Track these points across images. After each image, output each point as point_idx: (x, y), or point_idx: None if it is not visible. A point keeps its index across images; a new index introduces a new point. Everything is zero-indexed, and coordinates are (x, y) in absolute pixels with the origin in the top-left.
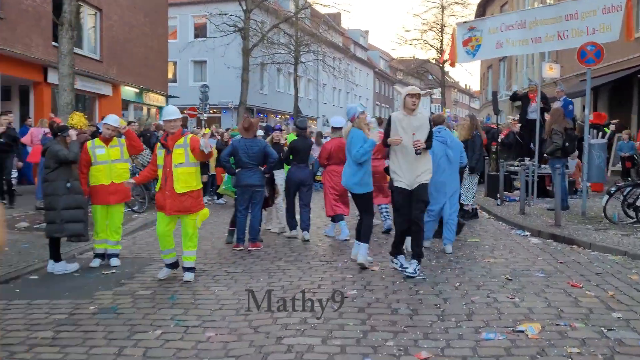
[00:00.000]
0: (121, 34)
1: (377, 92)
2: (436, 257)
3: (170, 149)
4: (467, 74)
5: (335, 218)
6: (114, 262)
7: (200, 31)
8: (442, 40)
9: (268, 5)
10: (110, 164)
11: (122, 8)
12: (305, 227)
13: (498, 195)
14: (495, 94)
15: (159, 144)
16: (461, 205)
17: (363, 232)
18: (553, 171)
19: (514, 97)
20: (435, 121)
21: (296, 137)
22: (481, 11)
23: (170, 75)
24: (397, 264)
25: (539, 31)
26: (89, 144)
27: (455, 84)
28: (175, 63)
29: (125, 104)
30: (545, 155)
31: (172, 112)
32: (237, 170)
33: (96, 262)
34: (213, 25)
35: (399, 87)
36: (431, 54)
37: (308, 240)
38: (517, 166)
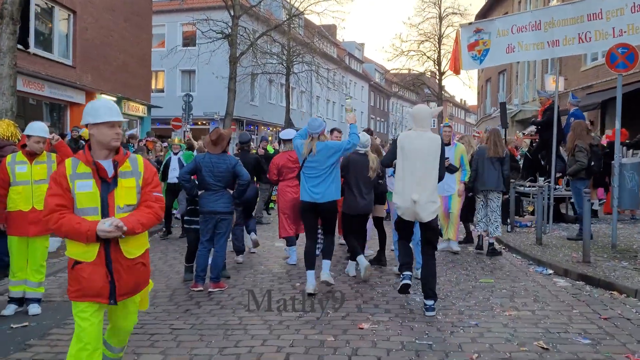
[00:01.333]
0: (97, 37)
1: (372, 105)
2: (443, 307)
3: (109, 180)
4: (464, 87)
5: (289, 241)
6: (34, 309)
7: (189, 40)
8: (439, 52)
9: (258, 13)
10: (32, 185)
11: (99, 10)
12: (241, 249)
13: (508, 221)
14: (504, 105)
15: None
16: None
17: (327, 249)
18: (576, 194)
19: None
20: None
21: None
22: None
23: (158, 85)
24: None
25: (557, 33)
26: (8, 158)
27: (451, 98)
28: (162, 72)
29: None
30: (566, 175)
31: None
32: (200, 193)
33: (10, 309)
34: (201, 32)
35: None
36: (428, 66)
37: (254, 251)
38: (529, 187)
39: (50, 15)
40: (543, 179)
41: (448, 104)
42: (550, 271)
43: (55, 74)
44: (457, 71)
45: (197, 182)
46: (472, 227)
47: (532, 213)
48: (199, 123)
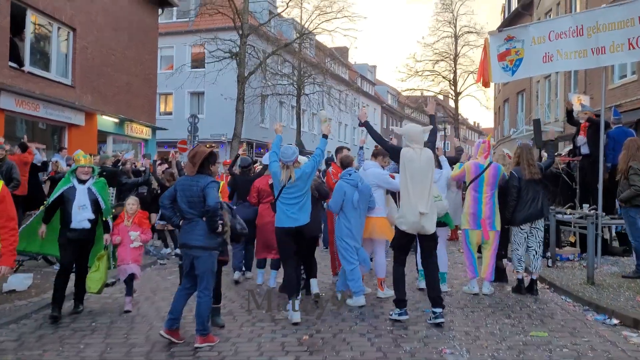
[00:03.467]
0: (98, 57)
1: (385, 127)
2: None
3: None
4: (479, 108)
5: (260, 263)
6: None
7: (198, 62)
8: (455, 72)
9: (268, 33)
10: None
11: (101, 28)
12: (238, 266)
13: (548, 254)
14: (538, 122)
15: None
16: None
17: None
18: (630, 224)
19: (569, 114)
20: (342, 162)
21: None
22: None
23: (167, 108)
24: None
25: (602, 39)
26: None
27: (464, 120)
28: (171, 95)
29: (103, 136)
30: (618, 201)
31: None
32: (181, 223)
33: None
34: (208, 52)
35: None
36: (443, 86)
37: (237, 282)
38: (571, 214)
39: (48, 32)
40: (588, 206)
41: (462, 127)
42: (615, 321)
43: (53, 94)
44: (486, 84)
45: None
46: (505, 263)
47: (573, 244)
48: (207, 146)
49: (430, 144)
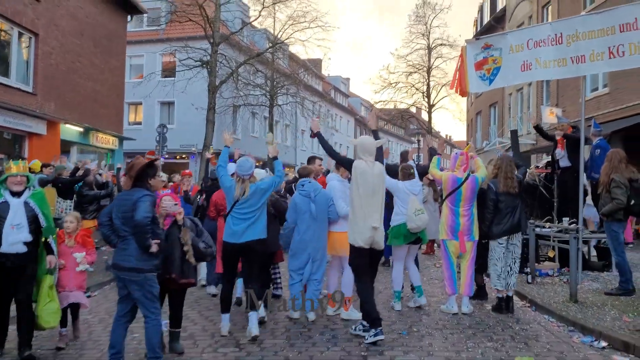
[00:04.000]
0: (63, 63)
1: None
2: None
3: None
4: (452, 121)
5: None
6: None
7: (169, 72)
8: (428, 84)
9: (240, 43)
10: None
11: (65, 34)
12: (212, 280)
13: (527, 270)
14: (515, 133)
15: None
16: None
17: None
18: (613, 239)
19: (539, 131)
20: (300, 173)
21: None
22: None
23: (137, 118)
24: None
25: (582, 47)
26: None
27: (437, 133)
28: (141, 105)
29: (67, 146)
30: (601, 216)
31: None
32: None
33: None
34: (179, 61)
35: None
36: (417, 98)
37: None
38: (549, 228)
39: (8, 37)
40: (568, 219)
41: (434, 139)
42: (604, 343)
43: (12, 101)
44: (463, 93)
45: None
46: (485, 279)
47: (552, 259)
48: (178, 157)
49: (379, 157)
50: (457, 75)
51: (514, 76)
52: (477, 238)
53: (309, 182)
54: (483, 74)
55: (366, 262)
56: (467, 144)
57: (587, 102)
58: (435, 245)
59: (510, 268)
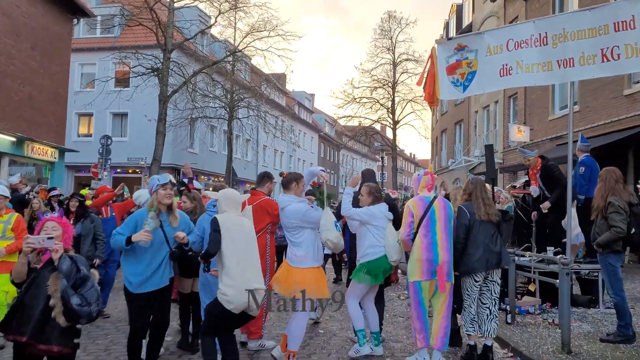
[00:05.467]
0: None
1: (322, 156)
2: None
3: None
4: (417, 138)
5: None
6: None
7: (122, 82)
8: (393, 99)
9: (198, 52)
10: None
11: None
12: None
13: (505, 306)
14: (490, 148)
15: None
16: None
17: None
18: (609, 273)
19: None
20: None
21: None
22: None
23: (90, 130)
24: None
25: (570, 49)
26: None
27: (401, 151)
28: (92, 115)
29: None
30: (595, 245)
31: None
32: None
33: None
34: (129, 68)
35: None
36: (381, 114)
37: None
38: (529, 258)
39: None
40: (553, 248)
41: (399, 157)
42: None
43: None
44: (432, 102)
45: None
46: (459, 321)
47: (532, 293)
48: (130, 171)
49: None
50: (426, 80)
51: (492, 82)
52: (453, 280)
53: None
54: (456, 79)
55: (227, 324)
56: (430, 165)
57: (555, 121)
58: (399, 271)
59: (490, 311)
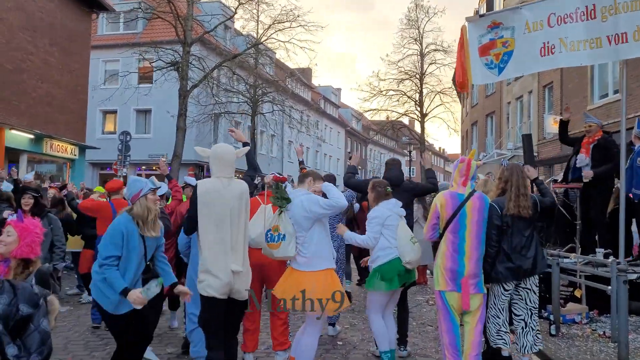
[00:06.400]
0: (9, 61)
1: (349, 151)
2: None
3: None
4: (446, 132)
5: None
6: None
7: (146, 78)
8: (421, 91)
9: (220, 46)
10: None
11: (12, 29)
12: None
13: (547, 314)
14: (529, 138)
15: None
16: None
17: None
18: None
19: (563, 127)
20: None
21: None
22: None
23: (112, 128)
24: None
25: (622, 23)
26: None
27: (430, 146)
28: (116, 112)
29: (15, 155)
30: None
31: None
32: None
33: None
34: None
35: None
36: (409, 107)
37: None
38: (574, 260)
39: None
40: (603, 250)
41: (427, 152)
42: None
43: None
44: (464, 87)
45: None
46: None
47: (578, 299)
48: (154, 167)
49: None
50: (457, 66)
51: (531, 63)
52: (486, 291)
53: None
54: (490, 60)
55: (220, 318)
56: (472, 150)
57: (595, 110)
58: (428, 272)
59: (526, 323)
